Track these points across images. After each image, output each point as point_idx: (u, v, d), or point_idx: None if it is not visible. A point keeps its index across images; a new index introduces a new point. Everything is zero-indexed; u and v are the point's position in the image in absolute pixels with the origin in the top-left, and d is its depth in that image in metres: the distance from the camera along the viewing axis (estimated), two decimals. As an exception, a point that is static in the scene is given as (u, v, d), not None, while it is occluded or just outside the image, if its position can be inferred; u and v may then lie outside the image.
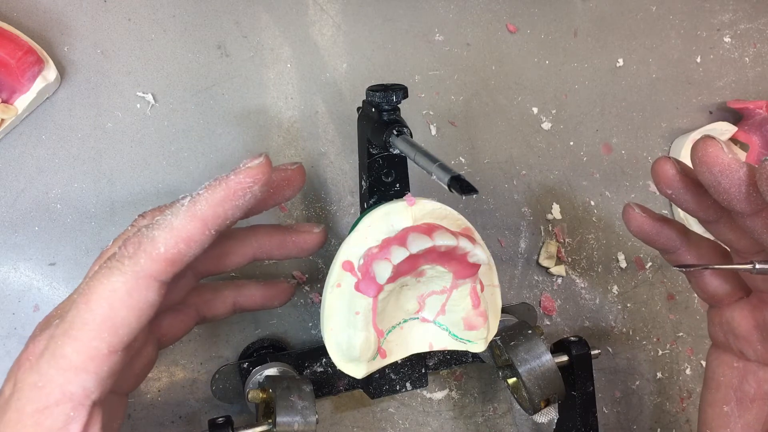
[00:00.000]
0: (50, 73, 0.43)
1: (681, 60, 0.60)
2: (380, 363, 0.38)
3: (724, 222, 0.36)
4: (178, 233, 0.27)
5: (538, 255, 0.54)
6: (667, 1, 0.60)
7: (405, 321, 0.39)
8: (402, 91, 0.37)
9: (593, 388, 0.46)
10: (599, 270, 0.56)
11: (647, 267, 0.57)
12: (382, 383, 0.43)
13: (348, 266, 0.36)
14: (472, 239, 0.36)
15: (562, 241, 0.55)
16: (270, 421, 0.39)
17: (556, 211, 0.55)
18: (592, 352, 0.46)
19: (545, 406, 0.44)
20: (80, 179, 0.45)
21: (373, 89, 0.38)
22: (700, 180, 0.32)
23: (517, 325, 0.45)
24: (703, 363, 0.57)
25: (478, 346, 0.40)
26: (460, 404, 0.51)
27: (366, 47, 0.52)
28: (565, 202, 0.56)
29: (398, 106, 0.38)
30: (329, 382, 0.44)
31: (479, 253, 0.36)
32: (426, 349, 0.39)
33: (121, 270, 0.26)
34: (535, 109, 0.55)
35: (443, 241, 0.34)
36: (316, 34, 0.51)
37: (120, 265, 0.26)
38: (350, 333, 0.37)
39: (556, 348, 0.46)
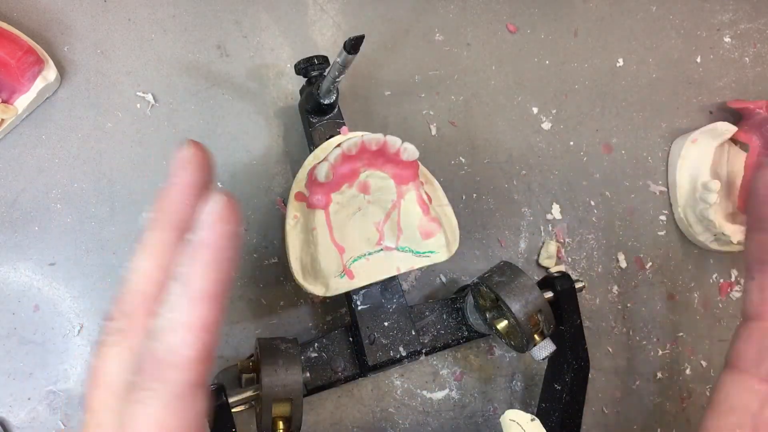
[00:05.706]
0: (50, 73, 0.43)
1: (681, 60, 0.60)
2: (348, 284, 0.41)
3: None
4: (193, 327, 0.22)
5: (538, 255, 0.54)
6: (667, 1, 0.60)
7: (370, 254, 0.42)
8: (321, 57, 0.44)
9: (581, 321, 0.46)
10: (599, 270, 0.56)
11: (647, 267, 0.57)
12: (375, 350, 0.43)
13: (299, 196, 0.41)
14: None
15: (562, 241, 0.55)
16: (258, 385, 0.39)
17: (556, 211, 0.55)
18: (576, 285, 0.46)
19: (541, 339, 0.43)
20: (80, 179, 0.45)
21: (297, 63, 0.44)
22: None
23: (502, 265, 0.44)
24: (704, 363, 0.57)
25: (441, 256, 0.42)
26: (460, 404, 0.51)
27: (366, 47, 0.51)
28: (565, 202, 0.56)
29: (323, 73, 0.44)
30: (324, 368, 0.45)
31: (409, 146, 0.40)
32: (394, 273, 0.42)
33: (157, 396, 0.22)
34: (535, 109, 0.55)
35: (371, 137, 0.39)
36: (316, 34, 0.50)
37: (152, 393, 0.22)
38: (311, 250, 0.40)
39: (541, 286, 0.46)
